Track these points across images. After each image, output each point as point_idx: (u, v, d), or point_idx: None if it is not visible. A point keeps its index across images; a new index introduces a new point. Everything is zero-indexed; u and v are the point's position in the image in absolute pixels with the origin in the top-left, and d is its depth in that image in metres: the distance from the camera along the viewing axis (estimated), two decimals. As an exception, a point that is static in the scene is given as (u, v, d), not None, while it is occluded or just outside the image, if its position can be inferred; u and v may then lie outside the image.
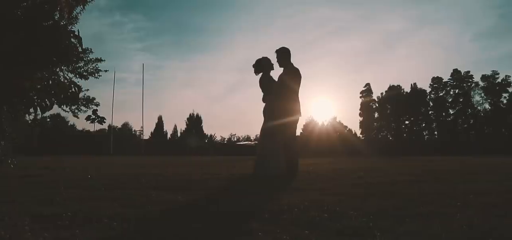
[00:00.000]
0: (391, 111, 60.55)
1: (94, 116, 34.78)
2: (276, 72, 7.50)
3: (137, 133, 60.45)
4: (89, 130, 51.24)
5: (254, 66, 7.39)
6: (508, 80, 55.14)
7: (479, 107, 57.01)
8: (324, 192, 4.56)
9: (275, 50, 7.44)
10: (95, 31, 73.87)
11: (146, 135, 57.28)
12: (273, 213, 3.19)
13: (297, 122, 7.54)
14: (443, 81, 59.07)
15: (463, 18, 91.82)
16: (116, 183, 5.53)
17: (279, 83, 7.30)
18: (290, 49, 7.45)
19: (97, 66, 10.73)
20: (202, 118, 68.71)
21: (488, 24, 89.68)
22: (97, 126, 49.01)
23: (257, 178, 6.64)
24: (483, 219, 3.00)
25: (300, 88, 7.38)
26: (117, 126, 58.63)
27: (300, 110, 7.43)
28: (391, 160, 18.61)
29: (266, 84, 7.36)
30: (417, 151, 46.58)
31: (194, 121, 67.15)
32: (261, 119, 7.37)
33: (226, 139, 72.43)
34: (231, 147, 57.97)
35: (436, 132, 59.11)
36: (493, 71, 56.55)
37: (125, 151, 38.59)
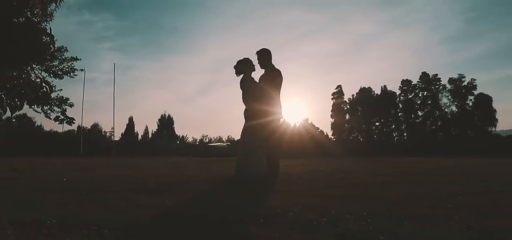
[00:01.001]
0: (362, 112, 61.28)
1: (62, 117, 33.46)
2: (257, 73, 7.42)
3: (108, 134, 59.07)
4: (57, 131, 49.76)
5: (235, 67, 7.27)
6: (474, 83, 56.81)
7: (446, 109, 58.44)
8: (311, 194, 4.51)
9: (256, 51, 7.36)
10: (63, 30, 71.72)
11: (117, 136, 56.05)
12: (267, 217, 3.10)
13: (279, 124, 7.48)
14: (412, 83, 60.30)
15: (431, 22, 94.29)
16: (94, 186, 5.31)
17: (260, 85, 7.21)
18: (270, 50, 7.39)
19: (72, 65, 10.34)
20: (174, 119, 67.93)
21: (455, 28, 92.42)
22: (66, 127, 47.72)
23: (239, 181, 6.56)
24: (477, 220, 3.01)
25: (281, 89, 7.33)
26: (86, 127, 57.26)
27: (281, 112, 7.37)
28: (364, 161, 18.81)
29: (247, 85, 7.26)
30: (387, 152, 47.40)
31: (166, 122, 66.17)
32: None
33: (198, 140, 71.67)
34: (203, 148, 57.50)
35: (405, 134, 60.22)
36: (459, 74, 58.09)
37: (95, 152, 37.67)
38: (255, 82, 7.31)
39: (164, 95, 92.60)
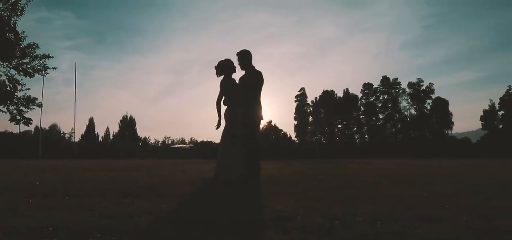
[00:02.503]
0: (325, 115, 62.19)
1: (19, 117, 32.12)
2: (237, 75, 7.30)
3: (67, 136, 57.18)
4: (12, 132, 47.55)
5: (216, 67, 7.13)
6: (432, 88, 58.89)
7: (406, 112, 60.21)
8: (309, 197, 4.44)
9: (236, 52, 7.24)
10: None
11: (76, 138, 54.35)
12: (277, 221, 2.99)
13: (259, 126, 7.39)
14: (374, 87, 61.78)
15: (393, 27, 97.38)
16: (74, 190, 5.01)
17: (241, 87, 7.10)
18: (251, 51, 7.29)
19: (44, 63, 9.75)
20: (136, 120, 66.72)
21: (414, 34, 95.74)
22: (22, 128, 45.65)
23: (220, 182, 6.44)
24: (483, 220, 3.02)
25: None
26: (45, 128, 55.23)
27: (262, 114, 7.29)
28: (331, 164, 19.04)
29: (228, 86, 7.13)
30: (349, 154, 48.30)
31: (128, 123, 64.86)
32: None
33: (161, 142, 70.59)
34: (165, 149, 56.73)
35: (366, 136, 61.55)
36: (418, 78, 60.17)
37: (54, 154, 36.21)
38: (236, 83, 7.20)
39: (126, 96, 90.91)
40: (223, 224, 2.91)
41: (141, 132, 69.88)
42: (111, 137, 65.40)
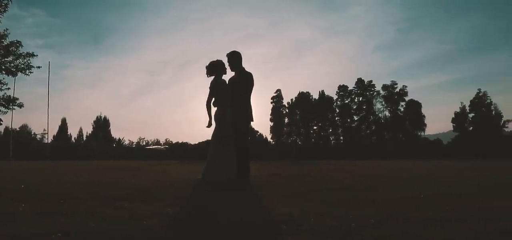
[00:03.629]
0: (300, 116, 62.61)
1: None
2: (226, 76, 7.22)
3: (38, 137, 55.70)
4: (-21, 132, 46.00)
5: (207, 67, 7.04)
6: (405, 90, 60.23)
7: (380, 114, 61.34)
8: (308, 199, 4.41)
9: (226, 53, 7.17)
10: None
11: (48, 139, 52.95)
12: (289, 224, 2.94)
13: (249, 128, 7.34)
14: (349, 89, 62.69)
15: (367, 30, 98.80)
16: (63, 194, 4.81)
17: (231, 88, 7.02)
18: (241, 53, 7.23)
19: (29, 61, 9.35)
20: (110, 121, 65.57)
21: (387, 37, 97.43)
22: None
23: (210, 183, 6.37)
24: (489, 222, 3.04)
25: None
26: (15, 129, 53.61)
27: (252, 116, 7.24)
28: (311, 165, 19.15)
29: (217, 88, 7.04)
30: (325, 155, 48.78)
31: (102, 124, 63.66)
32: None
33: (135, 143, 69.55)
34: (141, 150, 56.02)
35: (342, 137, 62.27)
36: (392, 81, 61.45)
37: (25, 155, 35.18)
38: (226, 84, 7.12)
39: (100, 96, 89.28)
40: (237, 227, 2.83)
41: (115, 133, 68.78)
42: (84, 138, 64.09)
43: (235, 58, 7.14)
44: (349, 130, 61.51)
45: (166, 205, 3.81)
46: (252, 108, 7.17)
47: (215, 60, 7.04)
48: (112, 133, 65.21)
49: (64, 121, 63.20)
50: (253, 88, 7.12)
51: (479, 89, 57.94)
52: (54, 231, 2.56)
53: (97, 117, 64.49)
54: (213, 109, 7.14)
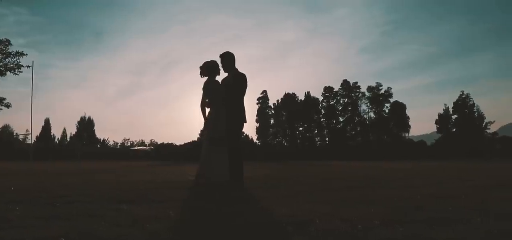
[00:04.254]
0: (286, 117, 62.79)
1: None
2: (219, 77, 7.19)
3: (20, 137, 54.72)
4: (-41, 133, 45.04)
5: (201, 68, 6.98)
6: (390, 92, 60.92)
7: (365, 116, 61.95)
8: (309, 200, 4.40)
9: (219, 54, 7.13)
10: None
11: (31, 139, 52.09)
12: (295, 226, 2.91)
13: (242, 129, 7.31)
14: (334, 90, 63.12)
15: (352, 32, 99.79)
16: (55, 196, 4.70)
17: (225, 89, 6.99)
18: (234, 54, 7.21)
19: (18, 60, 9.14)
20: (94, 121, 64.82)
21: (372, 39, 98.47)
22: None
23: (205, 185, 6.32)
24: (496, 221, 3.06)
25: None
26: (-4, 129, 52.69)
27: (245, 117, 7.22)
28: (300, 166, 19.20)
29: (211, 88, 6.99)
30: (311, 156, 48.94)
31: (86, 125, 62.87)
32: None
33: (120, 144, 68.95)
34: (126, 151, 55.56)
35: (327, 138, 62.63)
36: (377, 82, 62.11)
37: (8, 156, 34.53)
38: (220, 85, 7.08)
39: (84, 97, 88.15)
40: (243, 230, 2.80)
41: (100, 134, 68.13)
42: (68, 138, 63.23)
43: (228, 59, 7.11)
44: (335, 131, 61.89)
45: (167, 208, 3.75)
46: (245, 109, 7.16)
47: (209, 60, 6.99)
48: (96, 133, 64.55)
49: (47, 122, 62.28)
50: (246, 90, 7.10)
51: (462, 91, 58.97)
52: (57, 236, 2.49)
53: (81, 117, 63.70)
54: (207, 110, 7.10)
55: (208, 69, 7.00)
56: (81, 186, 6.15)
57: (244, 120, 7.19)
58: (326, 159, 39.51)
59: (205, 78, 7.06)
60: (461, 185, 6.58)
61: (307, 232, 2.73)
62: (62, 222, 3.01)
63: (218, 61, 7.08)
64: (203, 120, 7.02)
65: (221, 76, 7.13)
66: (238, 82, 7.04)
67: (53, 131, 63.36)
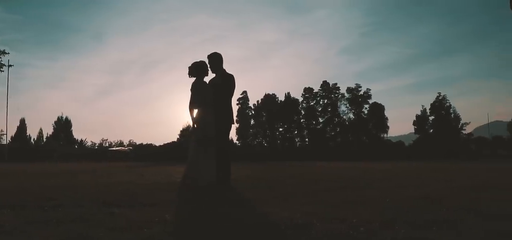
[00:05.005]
0: (266, 118, 62.87)
1: None
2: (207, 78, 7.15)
3: (-6, 138, 53.36)
4: None
5: (190, 68, 6.91)
6: (369, 93, 61.67)
7: (344, 117, 62.53)
8: (301, 201, 4.38)
9: (207, 55, 7.09)
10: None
11: (6, 140, 50.80)
12: (294, 229, 2.90)
13: (230, 130, 7.28)
14: (314, 91, 63.48)
15: (332, 34, 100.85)
16: (43, 199, 4.55)
17: (213, 90, 6.94)
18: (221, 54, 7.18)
19: (0, 59, 8.86)
20: (72, 121, 63.68)
21: (351, 41, 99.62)
22: None
23: (191, 185, 6.27)
24: (495, 222, 3.11)
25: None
26: (-32, 129, 51.19)
27: (233, 118, 7.20)
28: (282, 166, 19.23)
29: (199, 89, 6.93)
30: (291, 157, 49.08)
31: (63, 125, 61.68)
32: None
33: (97, 145, 67.89)
34: (104, 152, 54.75)
35: (307, 139, 62.93)
36: (356, 84, 62.75)
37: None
38: (208, 86, 7.03)
39: (61, 97, 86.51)
40: (241, 233, 2.77)
41: (77, 134, 66.92)
42: (44, 139, 61.98)
43: (215, 59, 7.07)
44: (314, 131, 62.23)
45: (160, 211, 3.68)
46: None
47: (198, 60, 6.93)
48: (74, 134, 63.47)
49: (22, 122, 60.98)
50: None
51: (439, 93, 60.10)
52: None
53: (58, 117, 62.51)
54: (194, 111, 7.04)
55: (197, 69, 6.93)
56: (65, 188, 6.00)
57: (232, 121, 7.17)
58: (307, 160, 39.67)
59: (193, 79, 7.00)
60: (446, 185, 6.67)
61: (308, 236, 2.71)
62: (56, 228, 2.92)
63: (207, 61, 7.04)
64: (191, 122, 6.96)
65: (209, 76, 7.10)
66: (226, 83, 7.01)
67: (28, 132, 62.11)
